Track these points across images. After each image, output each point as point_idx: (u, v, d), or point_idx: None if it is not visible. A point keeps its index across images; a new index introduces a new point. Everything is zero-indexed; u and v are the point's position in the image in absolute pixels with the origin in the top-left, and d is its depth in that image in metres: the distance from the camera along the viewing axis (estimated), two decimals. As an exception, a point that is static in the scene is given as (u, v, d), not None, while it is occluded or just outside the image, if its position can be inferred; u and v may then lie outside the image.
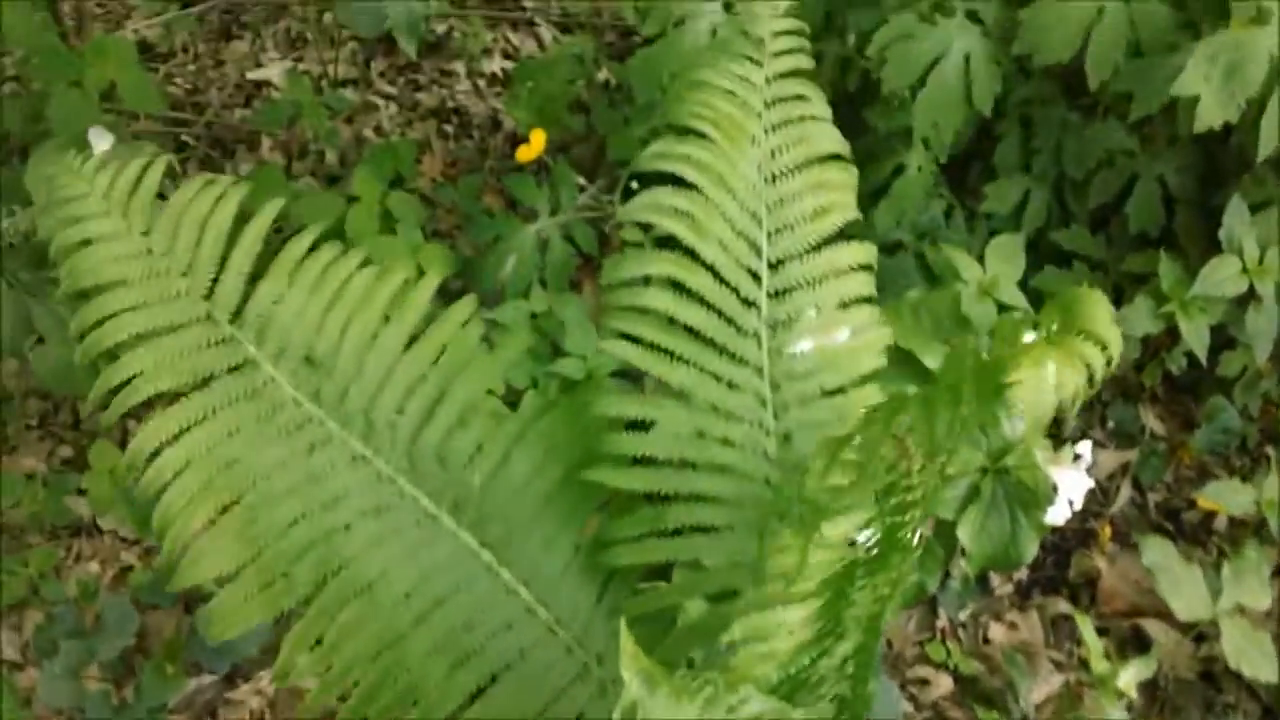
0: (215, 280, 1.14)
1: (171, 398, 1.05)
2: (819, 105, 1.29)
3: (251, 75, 2.62)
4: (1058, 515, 1.48)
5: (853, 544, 0.88)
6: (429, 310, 1.24)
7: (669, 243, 1.21)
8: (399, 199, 2.02)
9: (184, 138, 2.50)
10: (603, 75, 2.48)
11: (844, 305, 1.24)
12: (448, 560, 1.02)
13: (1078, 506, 1.47)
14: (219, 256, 1.15)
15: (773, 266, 1.21)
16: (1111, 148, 1.89)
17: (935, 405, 0.78)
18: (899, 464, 0.82)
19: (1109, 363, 0.89)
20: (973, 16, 1.70)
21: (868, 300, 1.24)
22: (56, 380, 1.76)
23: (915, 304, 1.58)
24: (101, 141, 1.96)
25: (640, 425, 1.16)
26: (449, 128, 2.55)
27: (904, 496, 0.90)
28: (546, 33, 2.72)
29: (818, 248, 1.22)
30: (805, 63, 1.28)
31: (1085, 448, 1.48)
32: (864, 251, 1.25)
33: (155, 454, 1.01)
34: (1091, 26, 1.64)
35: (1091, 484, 1.47)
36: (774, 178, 1.23)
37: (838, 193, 1.25)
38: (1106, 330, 0.88)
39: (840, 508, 0.82)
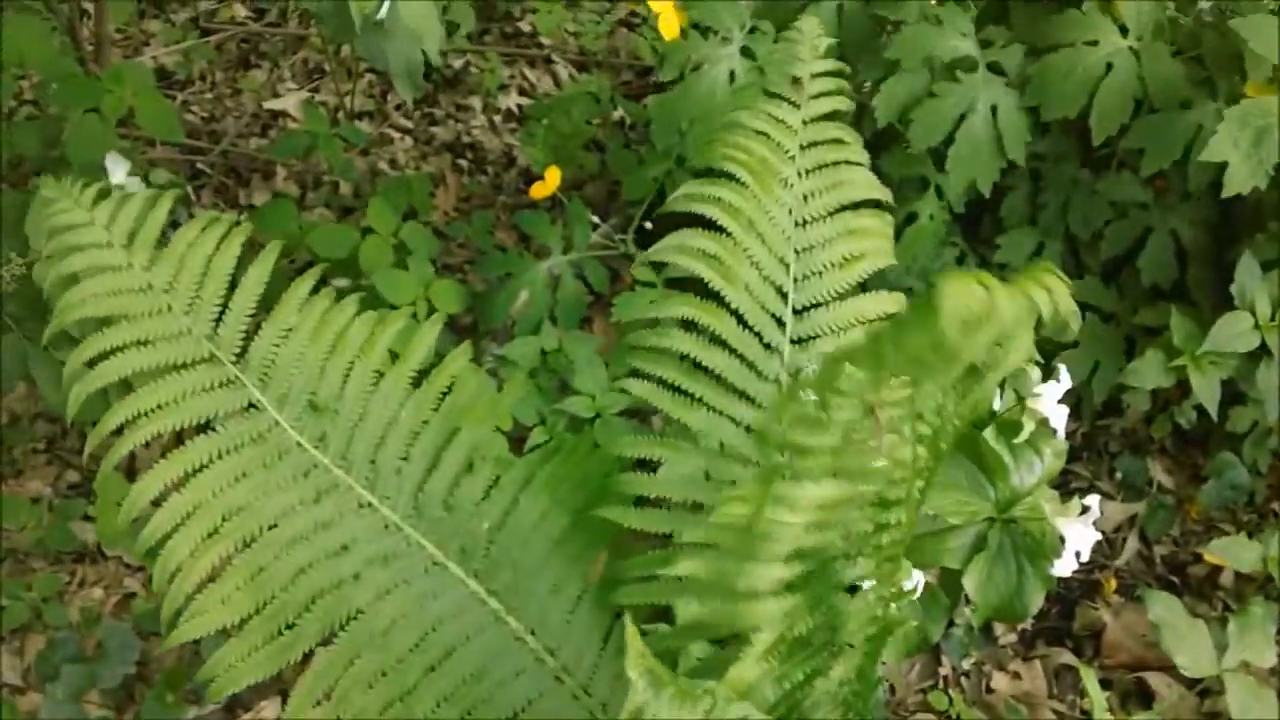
0: (219, 320, 1.14)
1: (174, 439, 1.05)
2: (856, 150, 1.27)
3: (269, 105, 2.64)
4: (1064, 568, 1.47)
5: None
6: (434, 351, 1.24)
7: (685, 283, 1.21)
8: (412, 231, 2.03)
9: (199, 166, 2.51)
10: (618, 114, 2.50)
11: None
12: (456, 609, 1.02)
13: (1085, 559, 1.46)
14: (222, 295, 1.15)
15: (798, 313, 1.20)
16: (1124, 200, 1.89)
17: (880, 345, 0.77)
18: (867, 429, 0.81)
19: (1059, 319, 0.83)
20: (995, 69, 1.71)
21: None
22: (64, 405, 1.76)
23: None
24: (118, 169, 1.97)
25: (652, 466, 1.16)
26: (464, 163, 2.56)
27: (886, 491, 0.88)
28: (563, 70, 2.74)
29: (844, 296, 1.21)
30: (844, 105, 1.27)
31: (1094, 501, 1.47)
32: (892, 301, 1.24)
33: (159, 500, 1.01)
34: (1099, 81, 1.65)
35: (1099, 537, 1.46)
36: (805, 222, 1.23)
37: (871, 240, 1.24)
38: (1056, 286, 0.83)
39: (804, 468, 0.80)
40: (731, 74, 1.73)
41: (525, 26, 2.84)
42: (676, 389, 1.17)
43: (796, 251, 1.22)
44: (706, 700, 0.73)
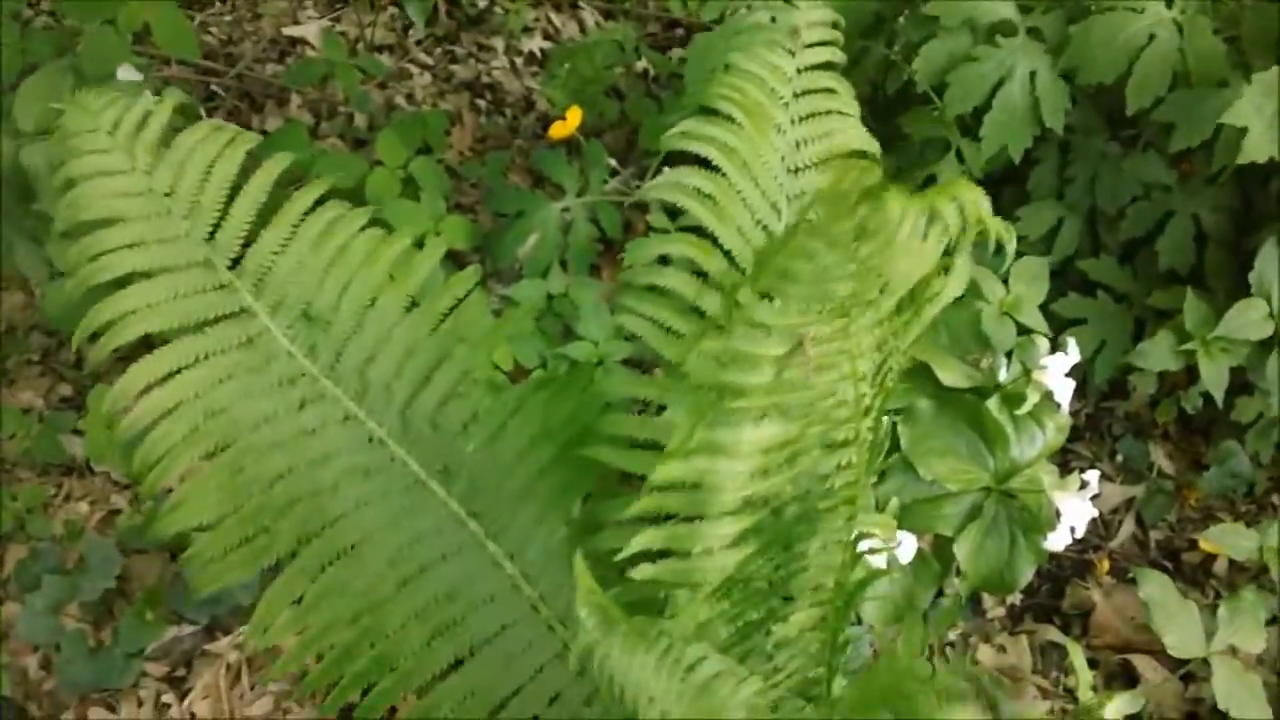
0: (217, 226, 1.13)
1: (163, 340, 1.04)
2: (848, 101, 1.27)
3: (287, 31, 2.61)
4: (1058, 542, 1.46)
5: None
6: (438, 277, 1.23)
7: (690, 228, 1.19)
8: (424, 166, 2.00)
9: (214, 88, 2.48)
10: (641, 65, 2.46)
11: None
12: (434, 528, 1.00)
13: (1080, 534, 1.45)
14: (223, 202, 1.14)
15: None
16: (1148, 181, 1.86)
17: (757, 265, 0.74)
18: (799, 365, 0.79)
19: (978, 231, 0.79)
20: (1035, 34, 1.67)
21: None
22: (62, 317, 1.74)
23: (935, 319, 1.56)
24: (128, 78, 1.94)
25: (644, 409, 1.14)
26: (482, 103, 2.53)
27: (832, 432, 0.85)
28: (589, 17, 2.70)
29: None
30: (837, 56, 1.26)
31: (1093, 476, 1.45)
32: None
33: (142, 393, 1.00)
34: (1140, 50, 1.61)
35: (1095, 513, 1.44)
36: (797, 170, 1.22)
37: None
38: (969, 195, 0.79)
39: (740, 410, 0.77)
40: (774, 18, 1.69)
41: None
42: (669, 329, 1.15)
43: (788, 198, 1.21)
44: (663, 641, 0.71)
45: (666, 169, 1.97)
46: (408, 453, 1.01)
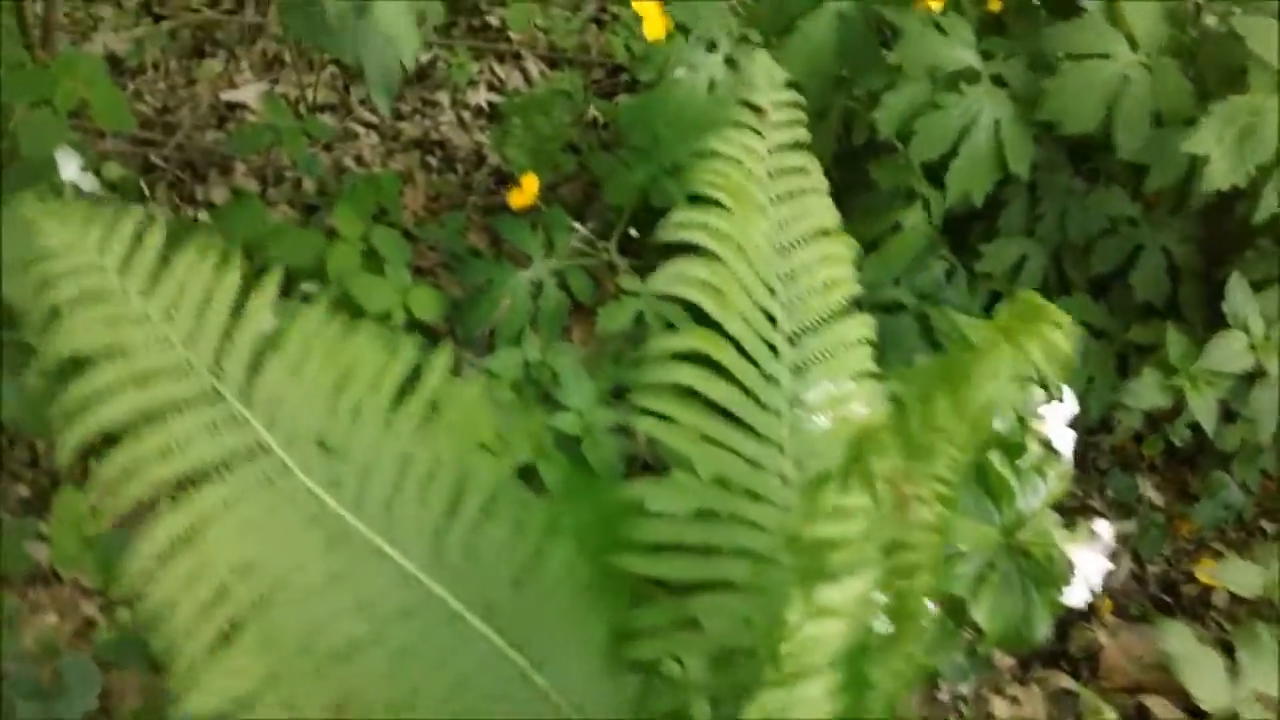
0: (220, 352, 1.06)
1: (174, 486, 0.97)
2: (819, 178, 1.28)
3: (226, 96, 2.53)
4: (1077, 596, 1.44)
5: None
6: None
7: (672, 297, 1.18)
8: (384, 236, 1.95)
9: (153, 159, 2.40)
10: (592, 113, 2.43)
11: (855, 378, 1.22)
12: (480, 666, 0.95)
13: (1096, 588, 1.43)
14: (224, 327, 1.08)
15: (789, 340, 1.18)
16: (1114, 215, 1.87)
17: (906, 414, 0.74)
18: (894, 508, 0.78)
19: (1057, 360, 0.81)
20: (998, 81, 1.66)
21: (873, 374, 1.22)
22: (21, 418, 1.65)
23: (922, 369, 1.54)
24: (69, 164, 1.87)
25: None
26: (432, 160, 2.47)
27: (909, 556, 0.85)
28: (533, 67, 2.66)
29: (828, 321, 1.19)
30: (804, 135, 1.25)
31: (1103, 527, 1.44)
32: (866, 324, 1.23)
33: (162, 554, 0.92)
34: (1116, 95, 1.62)
35: (1111, 566, 1.43)
36: (783, 249, 1.21)
37: (841, 267, 1.23)
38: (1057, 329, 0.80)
39: (839, 566, 0.76)
40: (712, 82, 1.67)
41: (494, 20, 2.75)
42: (686, 426, 1.12)
43: (779, 278, 1.20)
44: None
45: (634, 231, 1.96)
46: (445, 588, 0.96)
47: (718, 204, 1.15)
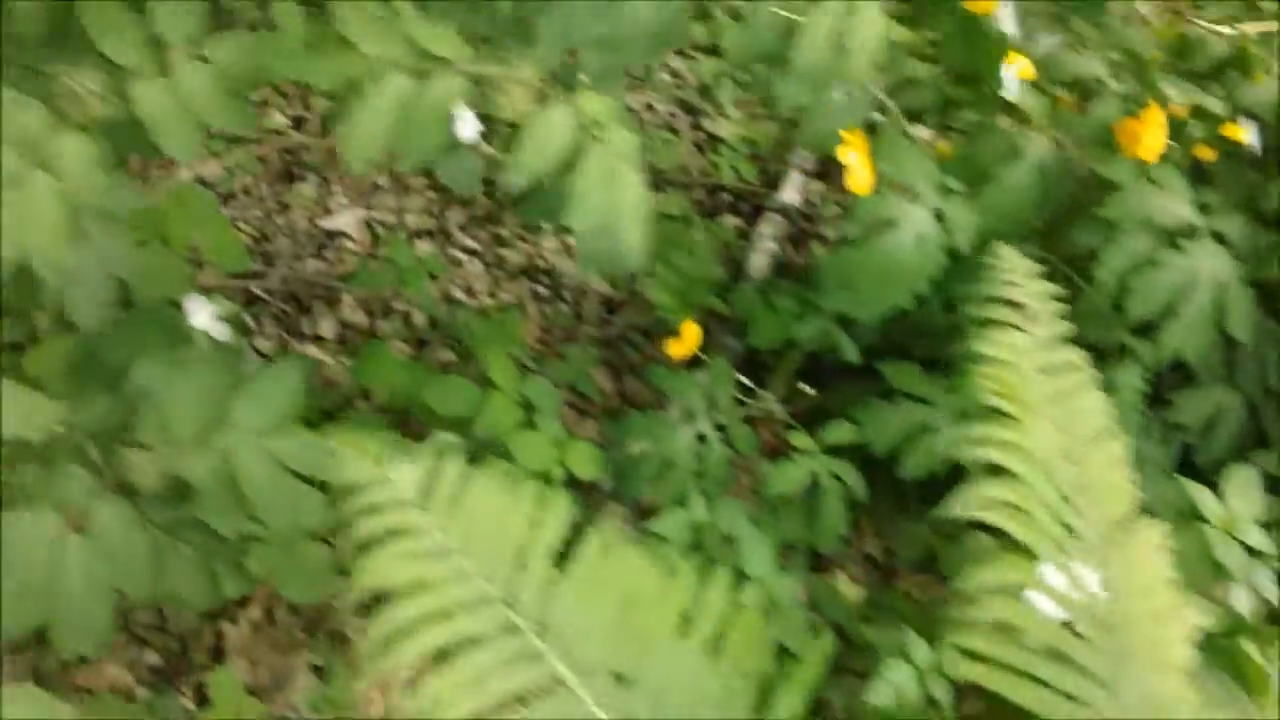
0: (514, 583, 1.00)
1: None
2: (1088, 371, 1.23)
3: (324, 224, 2.45)
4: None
5: None
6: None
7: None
8: (536, 386, 1.86)
9: (255, 291, 2.31)
10: (699, 237, 2.37)
11: (1161, 590, 1.15)
12: None
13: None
14: (519, 556, 1.01)
15: (1092, 556, 1.11)
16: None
17: None
18: None
19: None
20: (1219, 238, 1.61)
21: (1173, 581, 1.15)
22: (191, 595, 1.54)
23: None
24: (200, 310, 1.77)
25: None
26: (541, 289, 2.40)
27: None
28: (637, 190, 2.60)
29: (1124, 528, 1.13)
30: (1067, 328, 1.22)
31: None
32: (1162, 531, 1.16)
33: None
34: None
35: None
36: (1069, 455, 1.15)
37: (1125, 469, 1.17)
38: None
39: None
40: (920, 237, 1.61)
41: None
42: (1006, 665, 1.05)
43: (1070, 487, 1.14)
44: None
45: (805, 387, 1.89)
46: None
47: (1004, 414, 1.09)
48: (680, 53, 2.85)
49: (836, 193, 2.58)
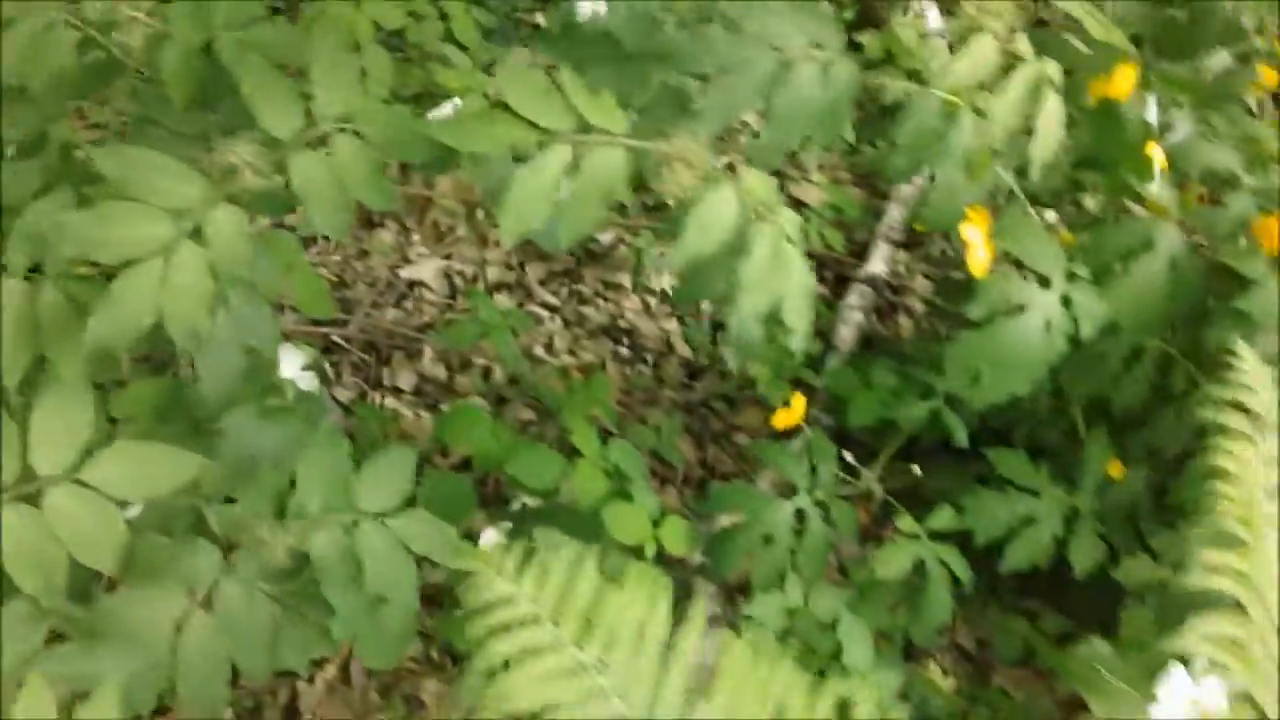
0: (654, 701, 0.95)
1: None
2: None
3: (404, 274, 2.42)
4: None
5: None
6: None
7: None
8: (625, 452, 1.81)
9: (334, 338, 2.27)
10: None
11: None
12: None
13: None
14: (657, 672, 0.96)
15: None
16: None
17: None
18: None
19: None
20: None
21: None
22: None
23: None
24: (291, 360, 1.73)
25: None
26: (622, 349, 2.36)
27: None
28: (720, 251, 2.56)
29: None
30: None
31: None
32: None
33: None
34: None
35: None
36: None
37: None
38: None
39: None
40: (1049, 324, 1.56)
41: (669, 198, 2.66)
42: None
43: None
44: None
45: (916, 469, 1.84)
46: None
47: (1234, 537, 1.03)
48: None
49: (922, 263, 2.55)
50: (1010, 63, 1.24)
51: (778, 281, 1.08)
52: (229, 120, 1.09)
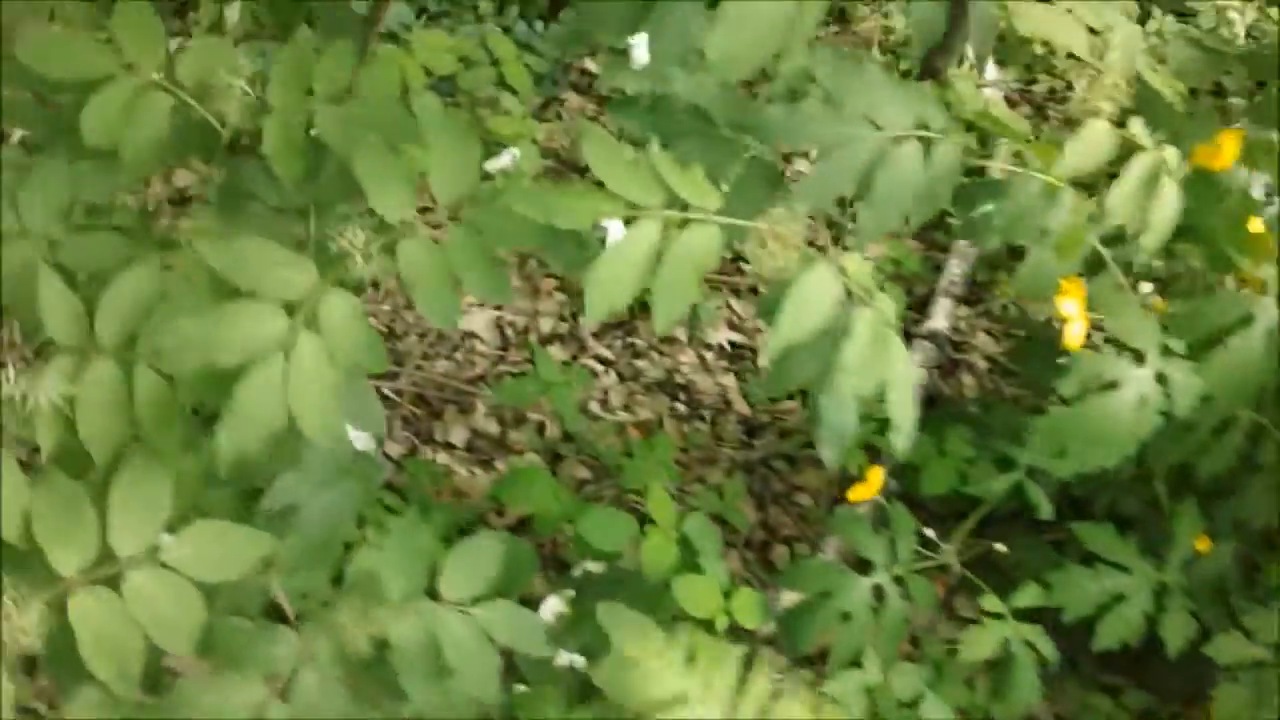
0: None
1: None
2: None
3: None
4: None
5: None
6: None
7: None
8: (699, 526, 1.75)
9: (385, 390, 2.22)
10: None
11: None
12: None
13: None
14: None
15: None
16: None
17: None
18: None
19: None
20: None
21: None
22: None
23: None
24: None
25: None
26: (679, 405, 2.30)
27: None
28: (777, 305, 2.51)
29: None
30: None
31: None
32: None
33: None
34: None
35: None
36: None
37: None
38: None
39: None
40: (1143, 399, 1.50)
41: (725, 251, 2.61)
42: None
43: None
44: None
45: (999, 547, 1.78)
46: None
47: None
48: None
49: (983, 319, 2.49)
50: (1126, 149, 1.20)
51: (880, 368, 1.02)
52: (326, 193, 1.05)
